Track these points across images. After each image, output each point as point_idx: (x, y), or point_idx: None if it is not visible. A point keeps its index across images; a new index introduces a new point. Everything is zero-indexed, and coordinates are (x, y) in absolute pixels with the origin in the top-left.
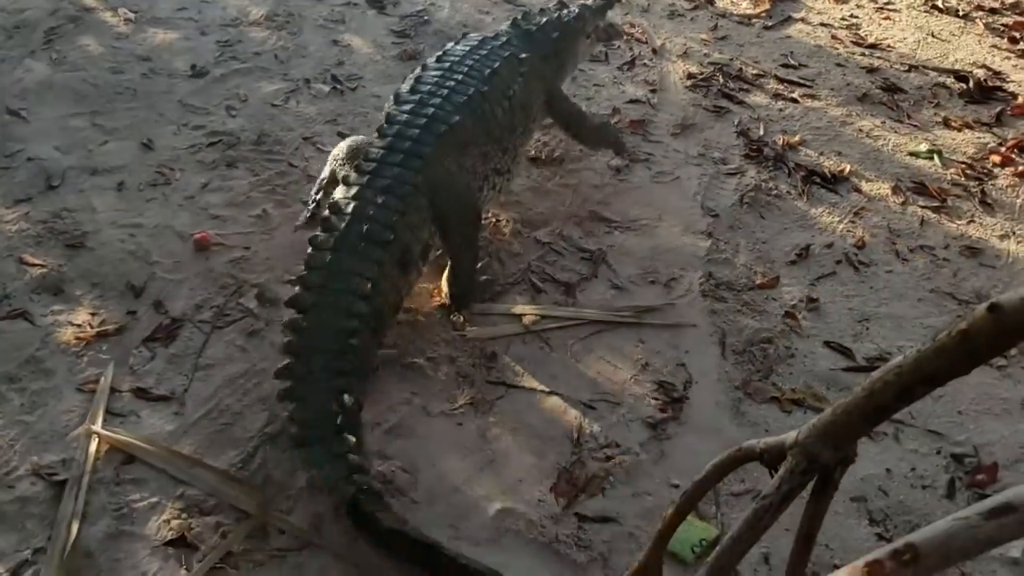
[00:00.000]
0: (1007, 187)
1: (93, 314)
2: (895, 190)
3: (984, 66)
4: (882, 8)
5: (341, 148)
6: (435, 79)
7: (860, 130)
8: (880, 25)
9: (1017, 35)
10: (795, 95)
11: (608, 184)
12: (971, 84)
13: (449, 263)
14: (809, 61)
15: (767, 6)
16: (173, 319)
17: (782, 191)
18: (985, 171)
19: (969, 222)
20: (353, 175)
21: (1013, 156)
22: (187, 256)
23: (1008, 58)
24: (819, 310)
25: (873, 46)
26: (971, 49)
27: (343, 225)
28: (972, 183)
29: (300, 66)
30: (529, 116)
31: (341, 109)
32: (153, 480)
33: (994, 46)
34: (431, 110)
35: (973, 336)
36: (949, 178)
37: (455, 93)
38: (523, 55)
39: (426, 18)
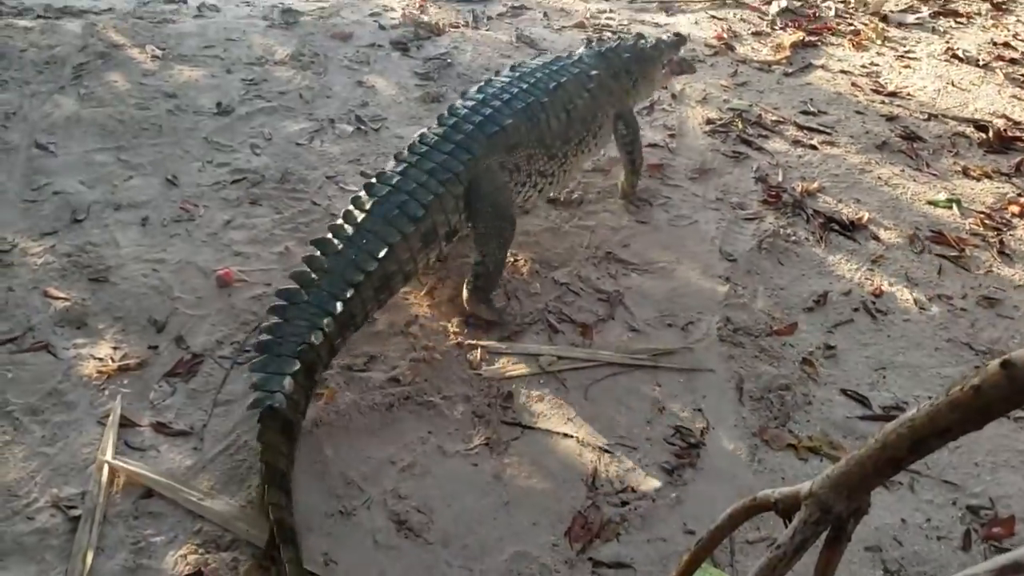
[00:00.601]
0: None
1: (115, 348)
2: (913, 239)
3: (1004, 116)
4: (902, 56)
5: None
6: (503, 85)
7: (879, 178)
8: (900, 73)
9: None
10: (814, 142)
11: (626, 226)
12: (991, 134)
13: (473, 260)
14: (829, 108)
15: (787, 53)
16: (194, 354)
17: (800, 237)
18: (1004, 221)
19: (987, 272)
20: (405, 153)
21: None
22: (209, 292)
23: None
24: (836, 358)
25: (893, 94)
26: (991, 99)
27: (383, 193)
28: (991, 233)
29: (325, 106)
30: (589, 129)
31: (364, 149)
32: (171, 515)
33: (1014, 96)
34: (489, 111)
35: (985, 392)
36: (968, 228)
37: (516, 99)
38: (592, 72)
39: (449, 61)
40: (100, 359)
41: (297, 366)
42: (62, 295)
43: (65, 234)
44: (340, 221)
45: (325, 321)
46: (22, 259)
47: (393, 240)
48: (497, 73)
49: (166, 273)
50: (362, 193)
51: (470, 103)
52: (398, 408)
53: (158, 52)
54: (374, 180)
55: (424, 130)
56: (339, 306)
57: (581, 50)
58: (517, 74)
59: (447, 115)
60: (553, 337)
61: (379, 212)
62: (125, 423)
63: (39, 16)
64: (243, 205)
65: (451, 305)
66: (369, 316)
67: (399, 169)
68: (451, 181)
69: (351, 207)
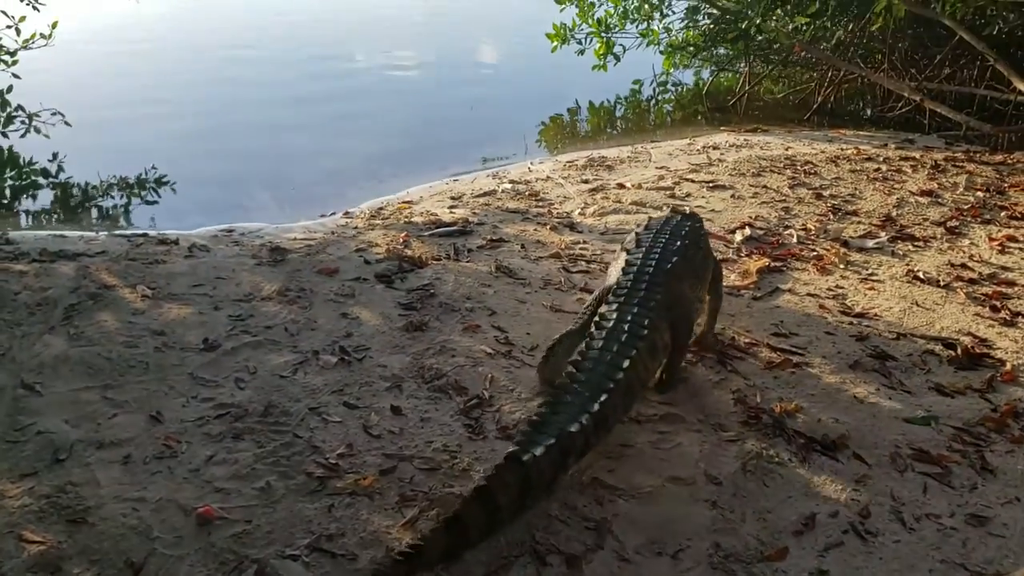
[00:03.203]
0: (1006, 453)
1: None
2: (894, 457)
3: (970, 333)
4: (866, 279)
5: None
6: (651, 238)
7: (855, 397)
8: (865, 295)
9: (998, 304)
10: (788, 363)
11: (610, 450)
12: (959, 351)
13: (667, 358)
14: (799, 330)
15: (754, 278)
16: None
17: (783, 458)
18: (983, 437)
19: (972, 489)
20: (611, 298)
21: (1008, 422)
22: (189, 530)
23: (992, 326)
24: None
25: (860, 315)
26: (956, 317)
27: (610, 325)
28: (970, 449)
29: (309, 338)
30: (708, 267)
31: (348, 379)
32: None
33: (977, 314)
34: (656, 255)
35: None
36: (947, 444)
37: (669, 244)
38: (698, 225)
39: (432, 291)
40: None
41: (553, 442)
42: (38, 539)
43: (45, 474)
44: (583, 347)
45: (583, 417)
46: None
47: (631, 354)
48: (637, 234)
49: (146, 512)
50: (593, 329)
51: (639, 254)
52: None
53: (148, 292)
54: (599, 319)
55: (613, 281)
56: (595, 407)
57: (667, 214)
58: (654, 230)
59: (627, 265)
60: (541, 570)
61: (613, 337)
62: None
63: (34, 260)
64: (226, 440)
65: None
66: (619, 419)
67: (613, 308)
68: (654, 308)
69: (588, 340)
